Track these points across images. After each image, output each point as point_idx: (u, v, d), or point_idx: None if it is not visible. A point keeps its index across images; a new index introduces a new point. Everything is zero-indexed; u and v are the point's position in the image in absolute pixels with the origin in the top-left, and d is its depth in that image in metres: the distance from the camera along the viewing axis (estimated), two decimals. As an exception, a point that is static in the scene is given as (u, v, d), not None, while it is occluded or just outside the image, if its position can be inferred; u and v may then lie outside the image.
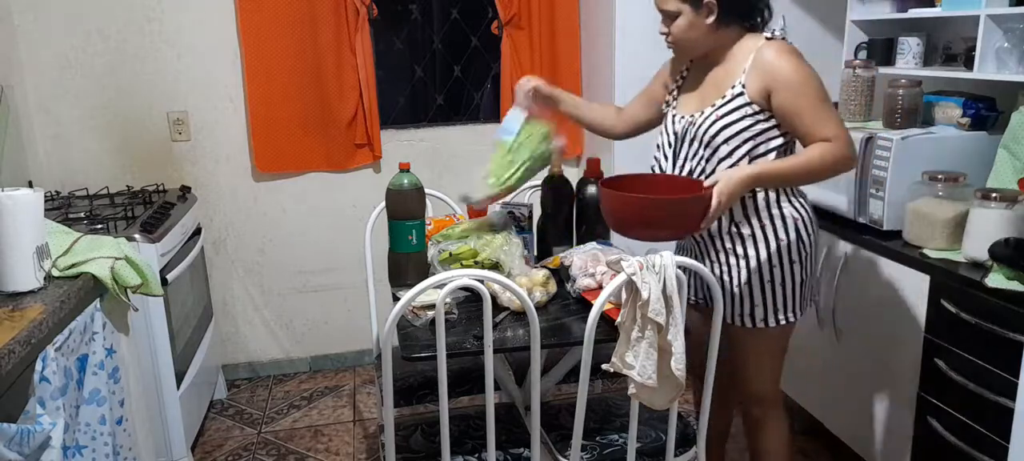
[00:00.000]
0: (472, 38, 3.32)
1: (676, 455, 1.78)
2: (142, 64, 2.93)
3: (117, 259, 1.82)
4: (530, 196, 2.52)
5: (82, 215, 2.46)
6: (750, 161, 1.71)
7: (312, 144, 3.11)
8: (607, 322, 1.64)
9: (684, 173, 1.80)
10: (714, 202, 1.61)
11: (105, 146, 2.96)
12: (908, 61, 2.48)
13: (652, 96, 2.00)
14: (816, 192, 2.50)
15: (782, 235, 1.77)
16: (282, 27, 2.95)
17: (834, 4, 2.85)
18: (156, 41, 2.92)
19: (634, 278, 1.50)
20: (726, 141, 1.71)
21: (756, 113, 1.69)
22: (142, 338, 2.33)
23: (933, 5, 2.33)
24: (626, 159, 2.93)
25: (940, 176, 2.05)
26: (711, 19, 1.69)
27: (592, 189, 2.14)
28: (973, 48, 2.16)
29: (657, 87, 1.99)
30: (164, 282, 2.32)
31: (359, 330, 3.31)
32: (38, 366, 1.46)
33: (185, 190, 2.87)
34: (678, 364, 1.54)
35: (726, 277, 1.80)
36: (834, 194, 2.37)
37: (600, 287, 1.78)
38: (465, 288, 1.57)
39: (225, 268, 3.20)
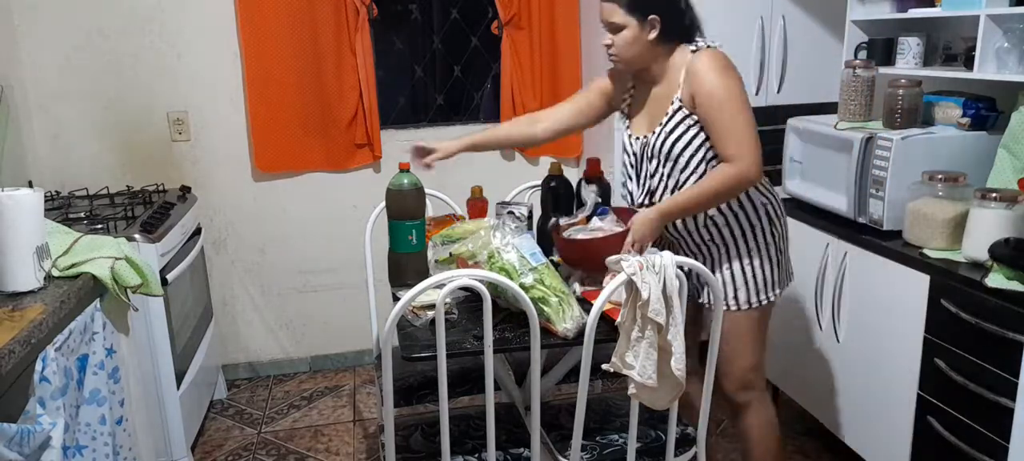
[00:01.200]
0: (472, 38, 3.32)
1: (676, 455, 1.79)
2: (142, 64, 2.93)
3: (117, 259, 1.82)
4: (530, 196, 2.52)
5: (82, 215, 2.46)
6: (706, 169, 1.80)
7: (312, 144, 3.11)
8: (607, 322, 1.64)
9: (648, 190, 1.90)
10: (628, 239, 1.73)
11: (105, 146, 2.96)
12: (908, 61, 2.48)
13: (589, 105, 2.06)
14: (815, 192, 2.50)
15: (755, 221, 1.87)
16: (282, 27, 2.95)
17: (834, 4, 2.85)
18: (156, 41, 2.92)
19: (634, 278, 1.50)
20: (681, 153, 1.80)
21: (697, 122, 1.78)
22: (142, 338, 2.33)
23: (933, 5, 2.33)
24: (626, 159, 2.93)
25: (940, 176, 2.05)
26: (653, 35, 1.77)
27: (593, 189, 2.14)
28: (973, 48, 2.16)
29: (595, 97, 2.05)
30: (164, 282, 2.32)
31: (359, 330, 3.30)
32: (38, 366, 1.46)
33: (185, 190, 2.87)
34: (678, 364, 1.54)
35: (706, 266, 1.84)
36: (834, 194, 2.37)
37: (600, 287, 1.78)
38: (465, 288, 1.57)
39: (225, 268, 3.20)
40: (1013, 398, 1.68)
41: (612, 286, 1.53)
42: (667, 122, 1.80)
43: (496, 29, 3.20)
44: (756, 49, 2.92)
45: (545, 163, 3.29)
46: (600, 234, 1.88)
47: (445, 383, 1.57)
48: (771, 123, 2.95)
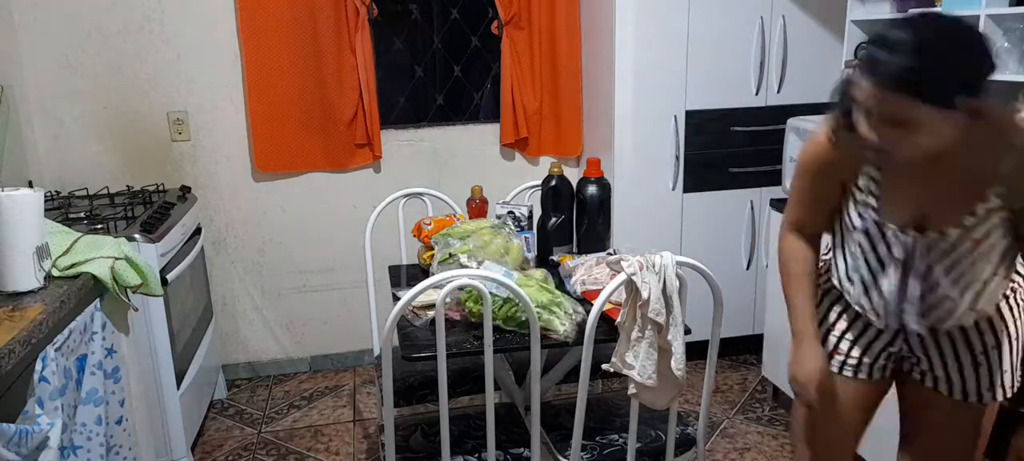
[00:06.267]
0: (472, 38, 3.32)
1: (676, 455, 1.79)
2: (142, 64, 2.93)
3: (117, 259, 1.82)
4: (530, 196, 2.52)
5: (82, 215, 2.46)
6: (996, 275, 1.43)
7: (312, 144, 3.11)
8: (607, 322, 1.64)
9: (929, 305, 1.44)
10: None
11: (105, 146, 2.96)
12: (908, 61, 2.47)
13: (829, 202, 1.54)
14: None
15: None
16: (282, 27, 2.94)
17: (834, 4, 2.86)
18: (156, 41, 2.92)
19: (634, 278, 1.50)
20: (989, 254, 1.38)
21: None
22: (142, 338, 2.33)
23: (933, 5, 2.33)
24: (626, 159, 2.93)
25: (940, 176, 2.05)
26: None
27: (592, 188, 2.14)
28: (973, 48, 2.16)
29: (831, 188, 1.52)
30: (164, 282, 2.32)
31: (359, 330, 3.30)
32: (38, 366, 1.46)
33: (185, 190, 2.86)
34: (678, 364, 1.54)
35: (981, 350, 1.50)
36: (834, 194, 2.37)
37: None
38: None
39: (225, 268, 3.20)
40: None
41: (612, 286, 1.53)
42: (985, 212, 1.34)
43: (496, 29, 3.20)
44: (756, 49, 2.92)
45: (545, 163, 3.29)
46: None
47: (445, 383, 1.57)
48: (771, 123, 2.96)
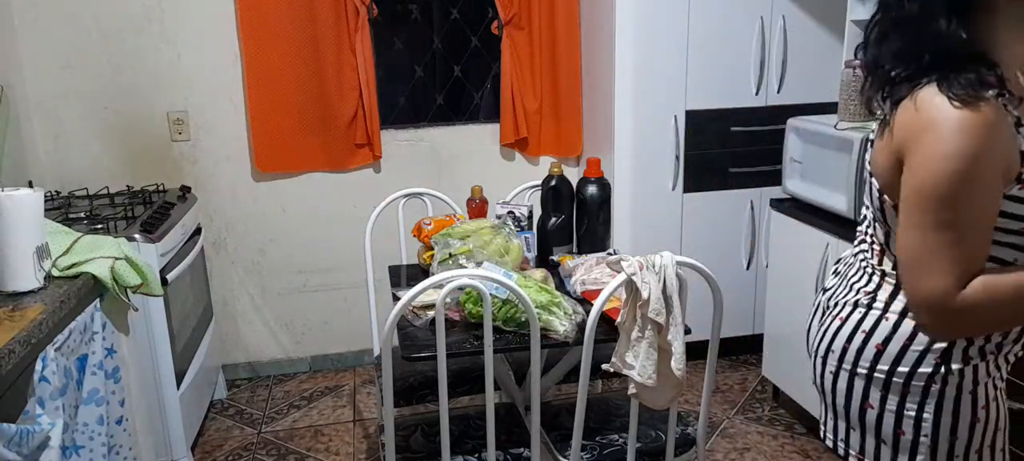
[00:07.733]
0: (472, 38, 3.32)
1: (676, 455, 1.79)
2: (142, 64, 2.93)
3: (117, 259, 1.82)
4: (530, 196, 2.52)
5: (82, 215, 2.46)
6: None
7: (312, 144, 3.11)
8: (607, 322, 1.64)
9: None
10: None
11: (105, 146, 2.96)
12: (908, 61, 2.47)
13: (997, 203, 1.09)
14: (815, 192, 2.50)
15: None
16: (282, 27, 2.94)
17: (834, 4, 2.85)
18: (156, 41, 2.92)
19: (634, 278, 1.50)
20: None
21: None
22: (142, 338, 2.33)
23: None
24: (626, 159, 2.93)
25: (940, 176, 2.05)
26: None
27: (592, 188, 2.14)
28: (973, 48, 2.16)
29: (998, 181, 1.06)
30: (164, 282, 2.32)
31: (359, 330, 3.30)
32: (38, 366, 1.46)
33: (185, 190, 2.86)
34: (678, 364, 1.54)
35: None
36: (834, 194, 2.37)
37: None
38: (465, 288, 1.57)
39: (225, 268, 3.20)
40: (1010, 398, 1.67)
41: (612, 286, 1.53)
42: None
43: (496, 29, 3.20)
44: (756, 49, 2.92)
45: (545, 163, 3.29)
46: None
47: (445, 383, 1.57)
48: (771, 123, 2.96)
